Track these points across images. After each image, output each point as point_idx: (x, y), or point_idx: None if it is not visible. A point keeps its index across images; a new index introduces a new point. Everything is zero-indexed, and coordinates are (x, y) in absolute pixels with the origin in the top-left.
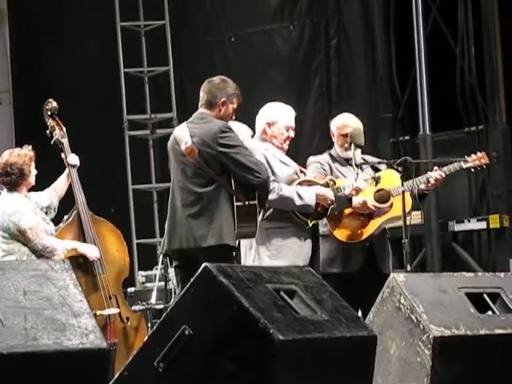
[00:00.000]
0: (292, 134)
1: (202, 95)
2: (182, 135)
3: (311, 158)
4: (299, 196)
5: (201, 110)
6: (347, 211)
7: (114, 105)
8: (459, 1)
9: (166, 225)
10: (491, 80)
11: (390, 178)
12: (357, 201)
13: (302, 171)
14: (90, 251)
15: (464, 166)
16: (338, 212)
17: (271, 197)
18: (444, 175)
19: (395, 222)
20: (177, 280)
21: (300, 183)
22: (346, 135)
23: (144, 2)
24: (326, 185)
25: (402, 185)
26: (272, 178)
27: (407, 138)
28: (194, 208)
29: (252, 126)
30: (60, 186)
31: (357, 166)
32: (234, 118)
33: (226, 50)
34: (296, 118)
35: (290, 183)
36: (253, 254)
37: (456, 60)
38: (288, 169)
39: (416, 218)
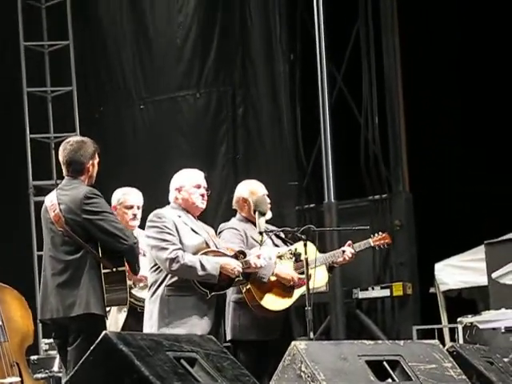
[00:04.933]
0: (203, 191)
1: (64, 164)
2: (51, 203)
3: (224, 225)
4: (202, 266)
5: (68, 177)
6: (271, 281)
7: (20, 170)
8: (364, 72)
9: (39, 295)
10: (394, 150)
11: (306, 250)
12: (283, 272)
13: (239, 254)
14: None
15: (372, 243)
16: (263, 282)
17: (174, 266)
18: (355, 252)
19: (315, 292)
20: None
21: (206, 253)
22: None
23: (51, 67)
24: (235, 257)
25: (301, 257)
26: (177, 246)
27: (312, 205)
28: (63, 277)
29: (162, 192)
30: None
31: (260, 233)
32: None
33: (135, 117)
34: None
35: (196, 252)
36: (152, 323)
37: (360, 130)
38: (197, 238)
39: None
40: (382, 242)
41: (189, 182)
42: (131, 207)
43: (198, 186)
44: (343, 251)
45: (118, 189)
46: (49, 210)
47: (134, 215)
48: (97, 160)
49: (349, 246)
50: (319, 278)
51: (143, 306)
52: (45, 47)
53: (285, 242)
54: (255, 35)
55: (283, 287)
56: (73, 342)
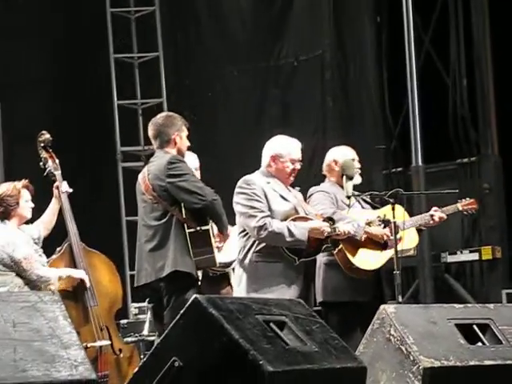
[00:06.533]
0: (298, 166)
1: (154, 139)
2: (142, 175)
3: (314, 188)
4: (290, 232)
5: (157, 150)
6: (363, 241)
7: (108, 136)
8: (452, 33)
9: (136, 263)
10: (483, 112)
11: (394, 213)
12: (374, 229)
13: (328, 220)
14: (85, 276)
15: (460, 208)
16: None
17: (262, 234)
18: (446, 216)
19: (405, 254)
20: (151, 314)
21: (294, 219)
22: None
23: (138, 33)
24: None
25: (391, 217)
26: (265, 213)
27: (400, 169)
28: (153, 242)
29: (254, 158)
30: (47, 217)
31: (348, 197)
32: (188, 143)
33: (227, 84)
34: None
35: (285, 219)
36: (241, 288)
37: (448, 92)
38: (286, 204)
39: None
40: (469, 207)
41: (287, 154)
42: None
43: (294, 161)
44: (431, 215)
45: None
46: (141, 183)
47: None
48: (185, 133)
49: (436, 211)
50: (408, 241)
51: (215, 271)
52: (131, 13)
53: (373, 206)
54: None
55: (374, 247)
56: (167, 305)
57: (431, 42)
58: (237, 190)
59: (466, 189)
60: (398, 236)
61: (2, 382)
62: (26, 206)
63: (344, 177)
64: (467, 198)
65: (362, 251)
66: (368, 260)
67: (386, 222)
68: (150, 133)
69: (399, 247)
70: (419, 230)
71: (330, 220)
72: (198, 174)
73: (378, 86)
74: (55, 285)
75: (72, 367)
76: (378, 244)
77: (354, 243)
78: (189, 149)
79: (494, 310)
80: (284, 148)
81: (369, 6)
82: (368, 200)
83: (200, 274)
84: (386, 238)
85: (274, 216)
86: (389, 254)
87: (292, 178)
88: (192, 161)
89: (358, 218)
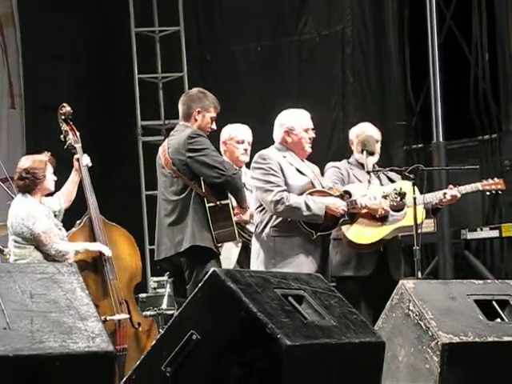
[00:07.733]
0: (312, 134)
1: (180, 108)
2: (163, 149)
3: (330, 164)
4: (307, 206)
5: (180, 122)
6: (361, 213)
7: (128, 110)
8: (473, 8)
9: (155, 237)
10: (505, 88)
11: (407, 189)
12: (372, 203)
13: (345, 194)
14: (103, 248)
15: (481, 187)
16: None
17: (279, 208)
18: (460, 195)
19: (408, 231)
20: (170, 288)
21: (311, 193)
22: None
23: (159, 8)
24: (341, 197)
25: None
26: (282, 188)
27: (420, 145)
28: (172, 216)
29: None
30: (68, 189)
31: (368, 172)
32: (214, 127)
33: (251, 60)
34: (314, 125)
35: (302, 193)
36: (259, 262)
37: (470, 67)
38: (302, 178)
39: (429, 225)
40: (494, 187)
41: (299, 125)
42: (242, 142)
43: (308, 130)
44: (444, 193)
45: (228, 125)
46: (161, 156)
47: (245, 150)
48: (210, 114)
49: (451, 189)
50: (411, 218)
51: None
52: None
53: (392, 180)
54: None
55: (372, 221)
56: (189, 280)
57: (453, 16)
58: (253, 165)
59: (487, 165)
60: (403, 212)
61: (19, 352)
62: (50, 178)
63: (364, 152)
64: (495, 179)
65: (357, 225)
66: (363, 234)
67: (402, 195)
68: (180, 102)
69: (402, 223)
70: (436, 209)
71: (346, 193)
72: (249, 148)
73: (399, 61)
74: (72, 259)
75: (89, 339)
76: (377, 218)
77: (353, 217)
78: (213, 131)
79: None
80: (294, 120)
81: None
82: (392, 178)
83: (239, 245)
84: (382, 212)
85: (291, 190)
86: (388, 229)
87: (309, 148)
88: (247, 133)
89: (374, 191)
